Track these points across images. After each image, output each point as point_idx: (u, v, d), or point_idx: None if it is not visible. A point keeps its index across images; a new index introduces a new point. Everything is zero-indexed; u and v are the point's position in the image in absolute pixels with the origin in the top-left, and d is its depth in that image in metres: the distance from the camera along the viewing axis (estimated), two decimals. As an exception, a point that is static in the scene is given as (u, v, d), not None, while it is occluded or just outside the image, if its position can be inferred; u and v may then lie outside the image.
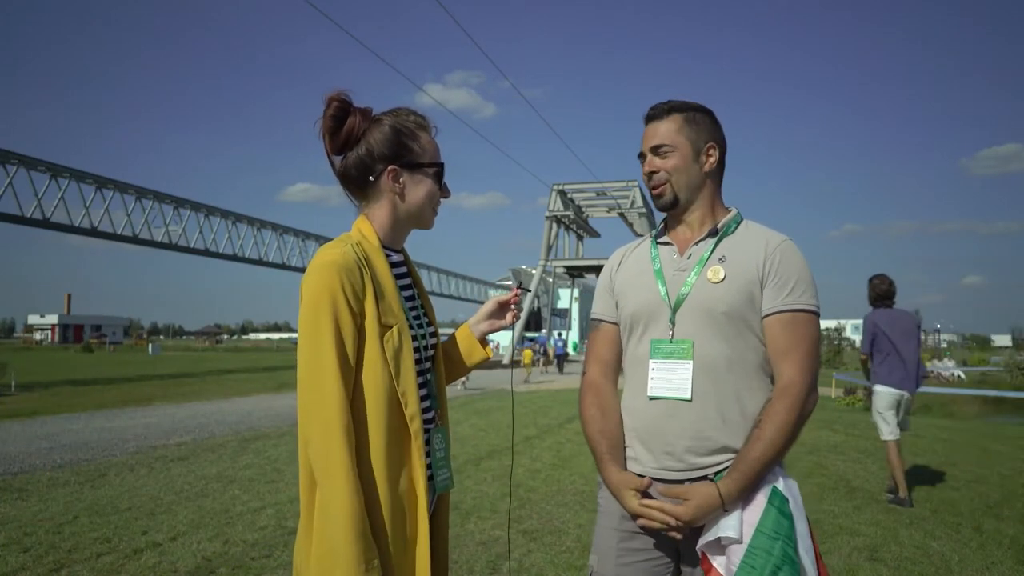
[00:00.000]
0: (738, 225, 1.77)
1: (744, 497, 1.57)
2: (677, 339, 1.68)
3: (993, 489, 6.37)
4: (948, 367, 31.60)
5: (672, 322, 1.69)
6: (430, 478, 1.58)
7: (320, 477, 1.38)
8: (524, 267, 58.17)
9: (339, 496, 1.35)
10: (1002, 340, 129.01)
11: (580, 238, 46.41)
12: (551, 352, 35.10)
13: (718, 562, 1.56)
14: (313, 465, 1.40)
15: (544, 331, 47.33)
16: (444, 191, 1.66)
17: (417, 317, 1.63)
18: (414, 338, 1.56)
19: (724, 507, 1.56)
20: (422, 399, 1.56)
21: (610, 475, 1.70)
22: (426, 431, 1.57)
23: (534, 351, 30.67)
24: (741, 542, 1.54)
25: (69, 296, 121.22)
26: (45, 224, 26.46)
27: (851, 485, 6.42)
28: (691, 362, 1.65)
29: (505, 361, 33.81)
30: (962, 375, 29.86)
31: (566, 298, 57.86)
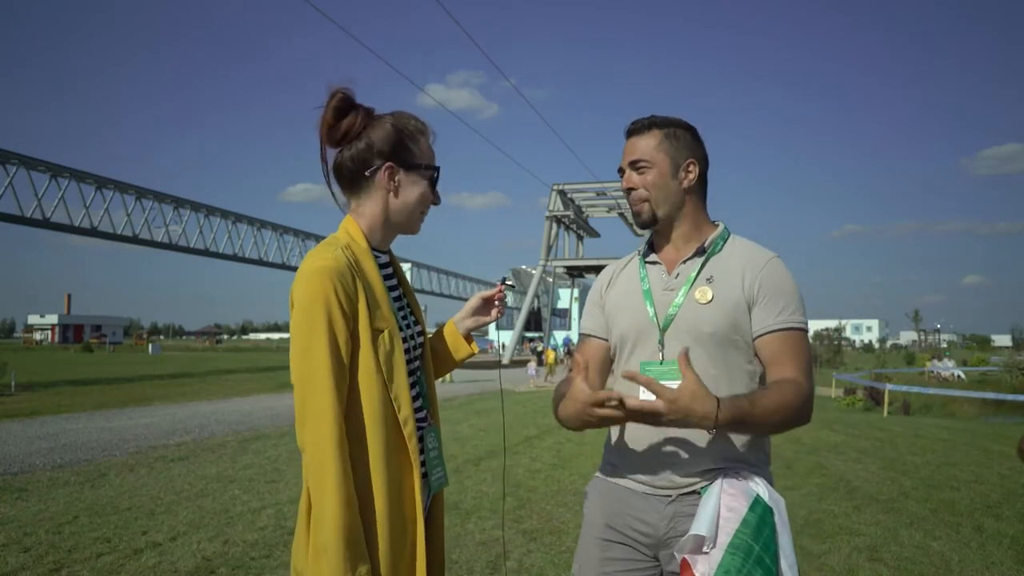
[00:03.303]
0: (725, 242, 1.75)
1: (728, 427, 1.49)
2: (666, 360, 1.67)
3: (993, 489, 6.37)
4: (948, 367, 31.61)
5: (661, 343, 1.69)
6: (424, 475, 1.59)
7: (312, 485, 1.40)
8: (524, 267, 58.21)
9: (330, 504, 1.37)
10: (1002, 340, 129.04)
11: (580, 238, 46.43)
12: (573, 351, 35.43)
13: (699, 569, 1.53)
14: (306, 473, 1.42)
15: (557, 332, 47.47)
16: (435, 197, 1.66)
17: (405, 318, 1.63)
18: (403, 339, 1.57)
19: (716, 418, 1.44)
20: (413, 399, 1.57)
21: (577, 390, 1.52)
22: (419, 430, 1.58)
23: (568, 350, 31.07)
24: (714, 543, 1.50)
25: (69, 296, 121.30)
26: (45, 224, 26.44)
27: (851, 485, 6.42)
28: (679, 384, 1.65)
29: (505, 361, 33.80)
30: (962, 375, 29.87)
31: (566, 298, 57.87)
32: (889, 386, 16.87)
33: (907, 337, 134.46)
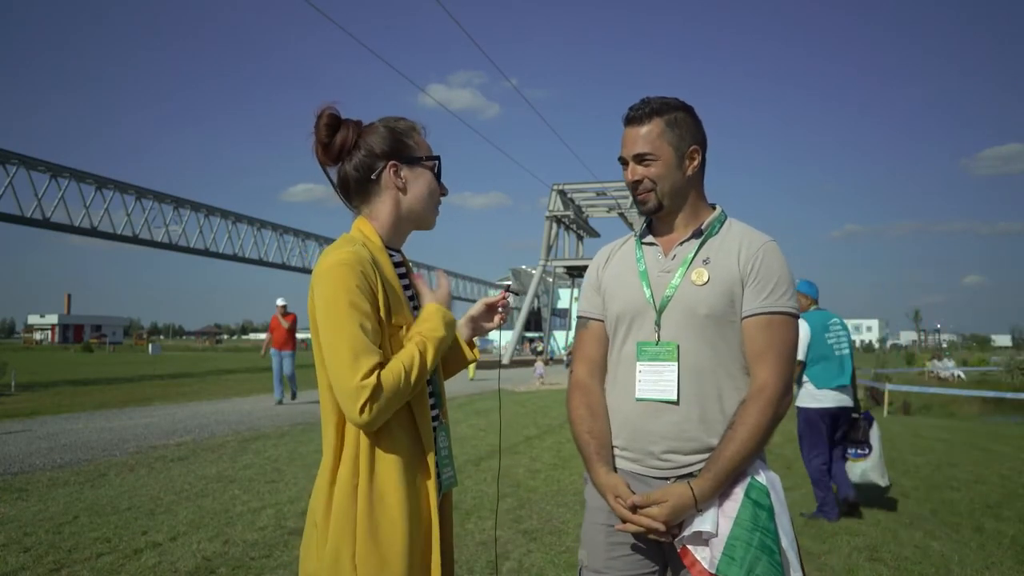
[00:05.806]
0: (722, 224, 1.77)
1: (717, 495, 1.60)
2: (663, 341, 1.69)
3: (993, 489, 6.38)
4: (948, 367, 31.61)
5: (657, 324, 1.70)
6: (436, 475, 1.60)
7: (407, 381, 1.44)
8: (524, 267, 58.20)
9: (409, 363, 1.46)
10: (1002, 340, 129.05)
11: (580, 238, 46.40)
12: None
13: (701, 555, 1.58)
14: (398, 391, 1.43)
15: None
16: (442, 188, 1.68)
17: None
18: None
19: (697, 506, 1.58)
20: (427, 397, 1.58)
21: (599, 475, 1.71)
22: (432, 429, 1.59)
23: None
24: (716, 535, 1.56)
25: (69, 296, 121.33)
26: (45, 224, 26.42)
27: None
28: (676, 364, 1.67)
29: (504, 361, 33.79)
30: (962, 375, 29.88)
31: (566, 298, 57.84)
32: (889, 386, 16.87)
33: (907, 337, 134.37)
